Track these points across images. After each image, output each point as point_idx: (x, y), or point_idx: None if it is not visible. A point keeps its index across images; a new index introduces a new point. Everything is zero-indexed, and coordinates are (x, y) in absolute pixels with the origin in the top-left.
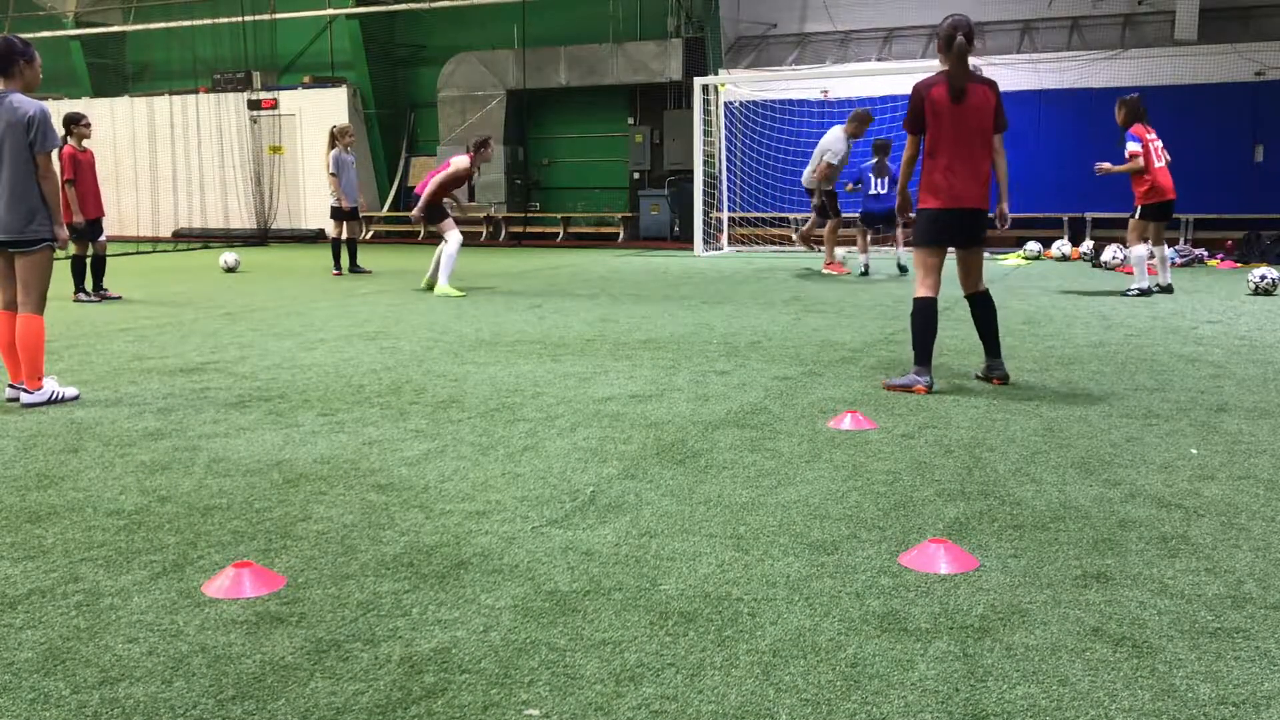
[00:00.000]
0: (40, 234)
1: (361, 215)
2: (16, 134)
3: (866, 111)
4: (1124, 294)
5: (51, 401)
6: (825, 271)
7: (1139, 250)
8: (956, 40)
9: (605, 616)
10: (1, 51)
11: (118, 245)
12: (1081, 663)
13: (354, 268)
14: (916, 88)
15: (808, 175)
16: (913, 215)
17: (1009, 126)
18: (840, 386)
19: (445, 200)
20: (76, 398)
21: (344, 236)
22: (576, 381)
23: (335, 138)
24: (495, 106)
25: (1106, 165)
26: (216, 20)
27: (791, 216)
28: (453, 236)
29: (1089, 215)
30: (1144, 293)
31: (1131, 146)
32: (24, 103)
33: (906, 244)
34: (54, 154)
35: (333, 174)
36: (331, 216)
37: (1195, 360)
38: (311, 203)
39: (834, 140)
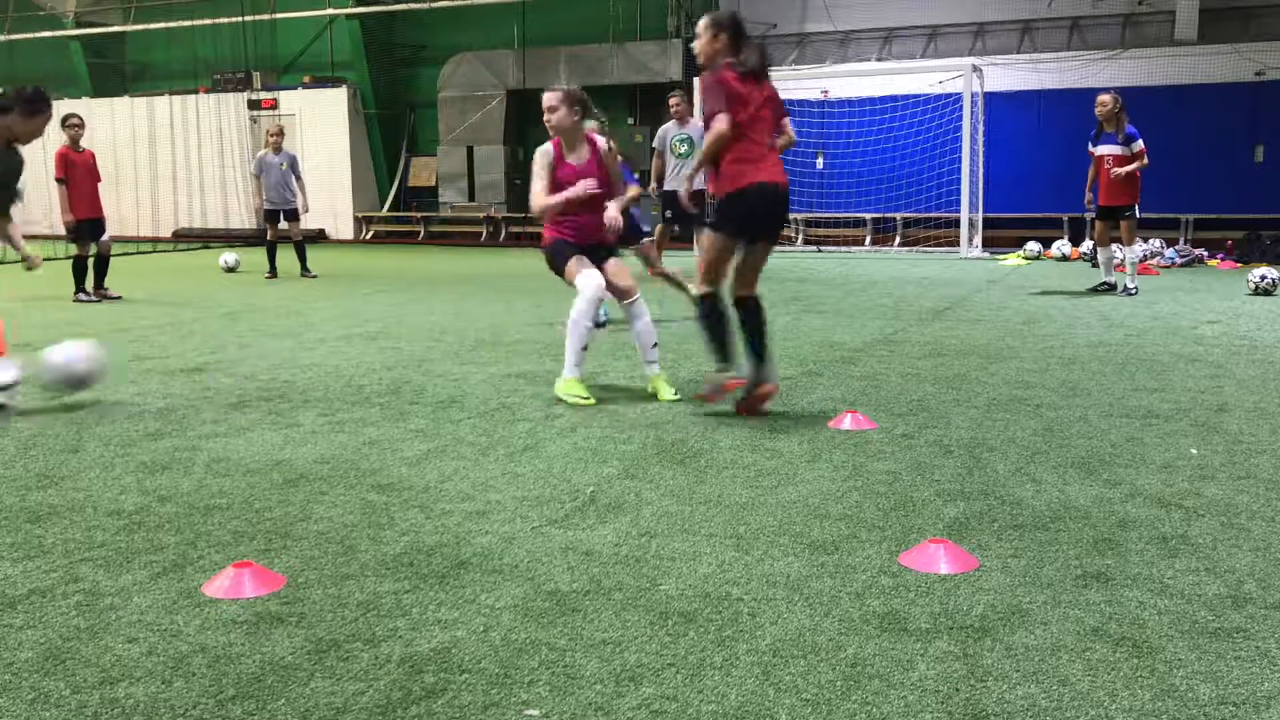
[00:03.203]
0: None
1: (361, 216)
2: None
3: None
4: (1126, 292)
5: None
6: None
7: (1138, 250)
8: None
9: (605, 616)
10: None
11: (118, 245)
12: (1081, 663)
13: (304, 271)
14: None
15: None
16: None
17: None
18: (840, 386)
19: None
20: None
21: (276, 239)
22: None
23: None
24: (495, 106)
25: (1123, 169)
26: (216, 20)
27: (792, 216)
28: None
29: (1089, 215)
30: (1132, 292)
31: (1140, 143)
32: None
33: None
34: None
35: (255, 175)
36: (265, 220)
37: (1195, 360)
38: (311, 203)
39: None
